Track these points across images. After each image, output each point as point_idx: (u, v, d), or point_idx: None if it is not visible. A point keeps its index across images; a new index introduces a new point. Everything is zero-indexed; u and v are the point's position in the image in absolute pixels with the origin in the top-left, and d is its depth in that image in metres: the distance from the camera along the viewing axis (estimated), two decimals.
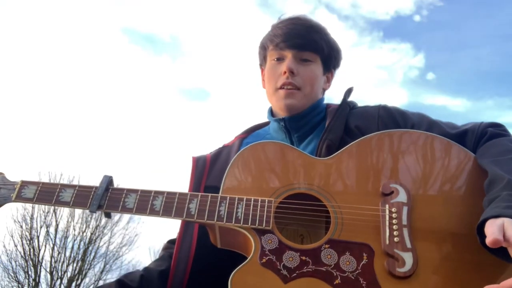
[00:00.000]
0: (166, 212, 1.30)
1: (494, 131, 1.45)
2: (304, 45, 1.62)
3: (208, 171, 1.60)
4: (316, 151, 1.48)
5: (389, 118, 1.55)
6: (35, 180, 1.37)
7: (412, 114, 1.58)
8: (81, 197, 1.33)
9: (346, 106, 1.63)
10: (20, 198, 1.34)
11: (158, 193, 1.33)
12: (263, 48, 1.72)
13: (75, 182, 14.64)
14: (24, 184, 1.36)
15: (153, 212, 1.30)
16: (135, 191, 1.34)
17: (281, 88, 1.62)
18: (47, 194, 1.34)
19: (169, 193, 1.33)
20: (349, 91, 1.70)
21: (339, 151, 1.41)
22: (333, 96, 1.92)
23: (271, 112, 1.74)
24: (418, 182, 1.34)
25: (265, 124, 1.82)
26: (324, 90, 1.74)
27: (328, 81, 1.76)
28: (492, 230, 1.07)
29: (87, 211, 1.34)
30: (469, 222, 1.25)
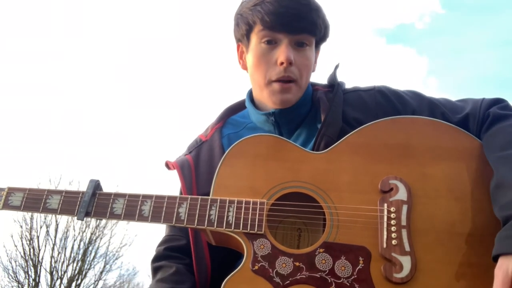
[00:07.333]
0: (155, 217, 1.26)
1: (496, 112, 1.34)
2: (304, 28, 1.40)
3: (195, 177, 1.48)
4: (313, 146, 1.38)
5: (387, 104, 1.44)
6: (21, 187, 1.34)
7: (409, 97, 1.46)
8: (68, 203, 1.30)
9: (341, 92, 1.49)
10: (7, 206, 1.32)
11: (146, 197, 1.28)
12: (247, 24, 1.45)
13: (75, 183, 14.69)
14: (11, 191, 1.33)
15: (142, 218, 1.27)
16: (122, 195, 1.29)
17: (276, 81, 1.42)
18: (34, 201, 1.31)
19: (157, 196, 1.28)
20: (336, 69, 1.56)
21: (336, 143, 1.33)
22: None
23: (253, 101, 1.57)
24: (420, 176, 1.26)
25: (239, 106, 1.65)
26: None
27: (316, 61, 1.54)
28: (498, 282, 1.03)
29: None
30: (475, 221, 1.19)
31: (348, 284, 1.14)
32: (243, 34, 1.48)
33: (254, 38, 1.45)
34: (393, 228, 1.19)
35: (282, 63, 1.39)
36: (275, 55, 1.41)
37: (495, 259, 1.07)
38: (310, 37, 1.44)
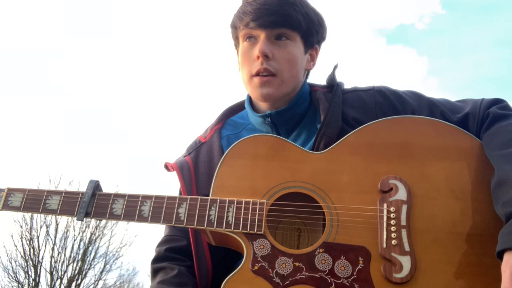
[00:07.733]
0: (155, 218, 1.26)
1: (496, 112, 1.34)
2: (277, 22, 1.42)
3: (195, 178, 1.48)
4: (312, 146, 1.38)
5: (387, 104, 1.44)
6: (21, 187, 1.34)
7: (409, 97, 1.46)
8: (68, 204, 1.30)
9: (340, 92, 1.49)
10: (7, 207, 1.32)
11: (146, 197, 1.28)
12: (234, 28, 1.54)
13: (75, 184, 14.71)
14: (10, 191, 1.33)
15: (142, 219, 1.27)
16: (122, 196, 1.30)
17: (256, 75, 1.45)
18: (34, 202, 1.31)
19: (157, 197, 1.28)
20: (335, 69, 1.57)
21: (336, 143, 1.33)
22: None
23: (251, 102, 1.59)
24: (420, 176, 1.26)
25: (239, 107, 1.67)
26: (307, 71, 1.57)
27: (312, 59, 1.57)
28: (506, 277, 1.02)
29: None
30: (475, 220, 1.19)
31: (348, 284, 1.14)
32: (234, 37, 1.56)
33: (240, 39, 1.51)
34: (393, 228, 1.19)
35: (258, 57, 1.43)
36: (255, 51, 1.45)
37: (500, 255, 1.07)
38: (288, 30, 1.46)
